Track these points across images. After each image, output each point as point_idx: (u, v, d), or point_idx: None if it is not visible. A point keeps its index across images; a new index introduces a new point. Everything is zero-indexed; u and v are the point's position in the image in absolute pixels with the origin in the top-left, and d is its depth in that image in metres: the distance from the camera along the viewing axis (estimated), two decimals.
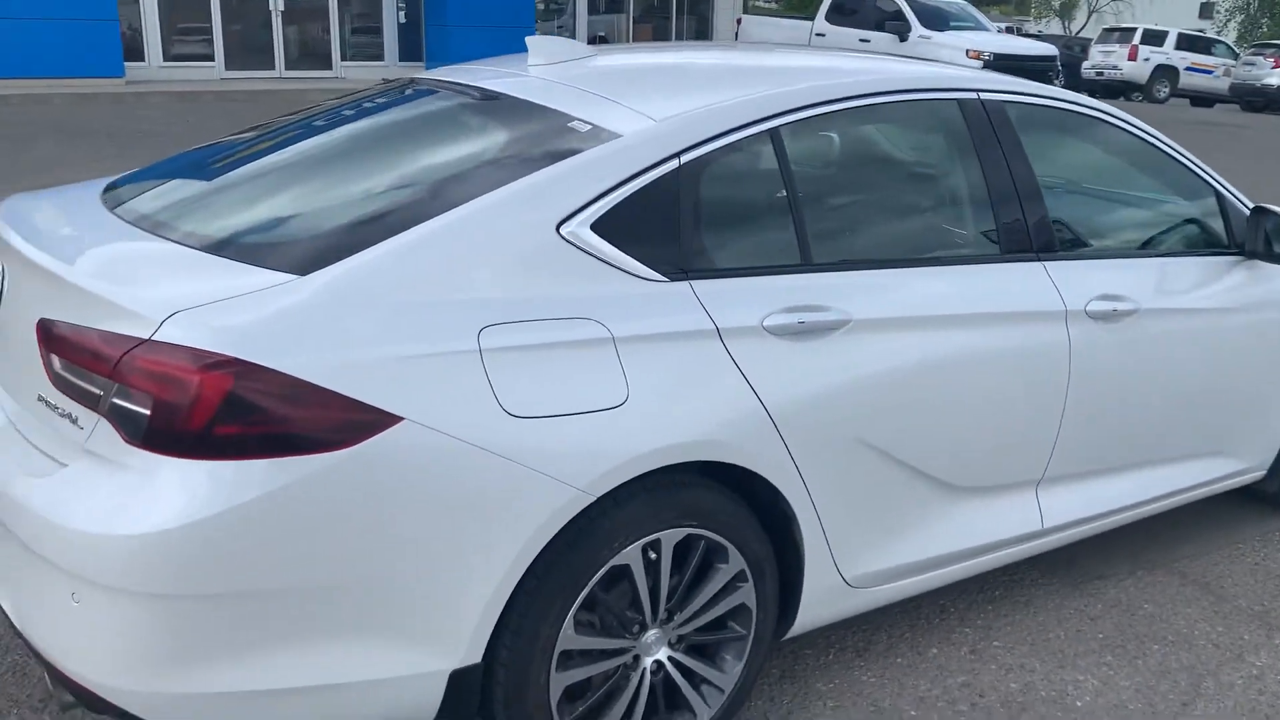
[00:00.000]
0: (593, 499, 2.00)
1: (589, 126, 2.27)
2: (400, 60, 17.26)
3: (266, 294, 1.86)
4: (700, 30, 20.31)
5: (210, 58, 15.59)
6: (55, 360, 1.93)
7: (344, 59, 16.88)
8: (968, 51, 14.79)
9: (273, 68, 16.26)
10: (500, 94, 2.51)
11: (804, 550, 2.36)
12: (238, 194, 2.34)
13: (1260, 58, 23.71)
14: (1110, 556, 3.40)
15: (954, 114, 2.69)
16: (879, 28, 15.90)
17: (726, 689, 2.35)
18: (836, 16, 16.74)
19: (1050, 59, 15.62)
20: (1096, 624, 3.03)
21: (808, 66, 2.70)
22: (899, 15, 15.74)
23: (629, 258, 2.14)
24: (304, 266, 1.93)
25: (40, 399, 1.98)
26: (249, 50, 16.04)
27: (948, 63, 3.32)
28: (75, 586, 1.81)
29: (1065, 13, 47.17)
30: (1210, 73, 25.33)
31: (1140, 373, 2.93)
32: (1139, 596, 3.19)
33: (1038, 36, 24.96)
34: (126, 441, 1.80)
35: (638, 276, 2.14)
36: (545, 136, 2.27)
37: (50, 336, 1.94)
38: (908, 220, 2.65)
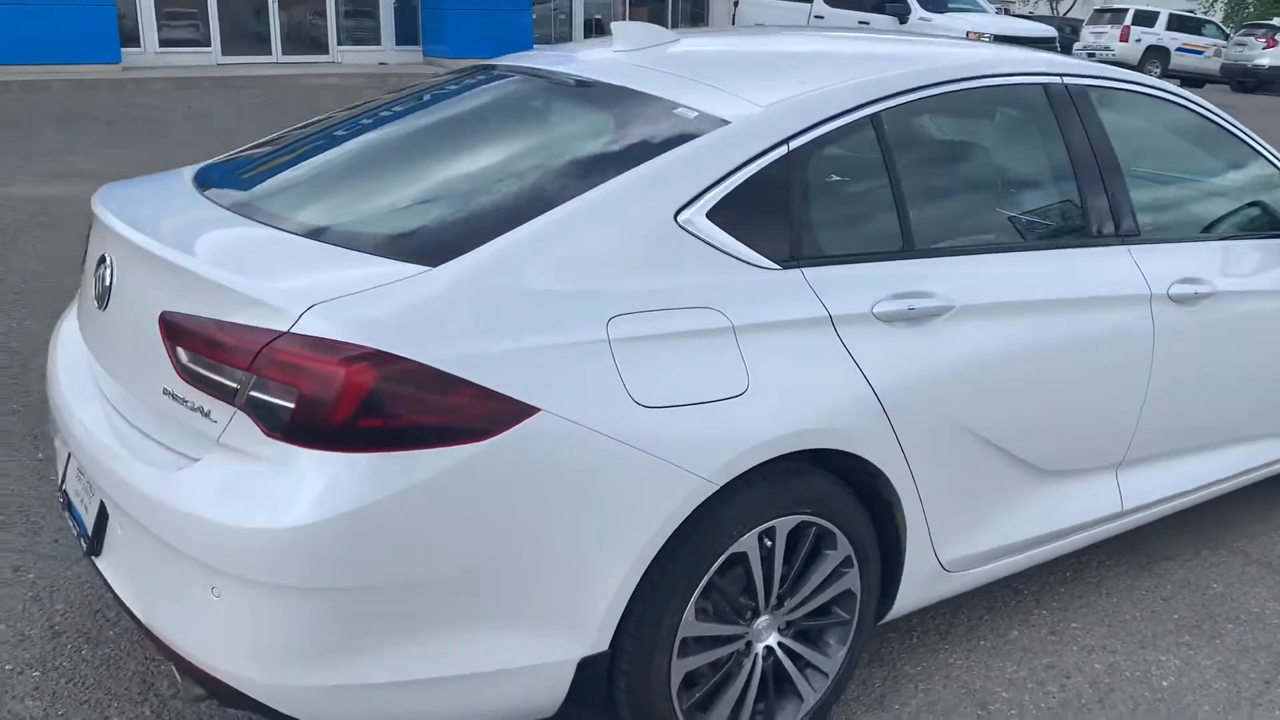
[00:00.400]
0: (716, 488, 2.00)
1: (695, 113, 2.27)
2: (397, 44, 17.17)
3: (401, 285, 1.86)
4: (696, 13, 20.25)
5: (206, 43, 15.48)
6: (182, 354, 1.92)
7: (340, 44, 16.77)
8: (968, 33, 14.78)
9: (269, 53, 16.16)
10: (597, 81, 2.50)
11: (905, 535, 2.38)
12: (344, 183, 2.33)
13: (1251, 38, 23.79)
14: (1174, 538, 3.43)
15: (1040, 98, 2.70)
16: (879, 10, 15.88)
17: (831, 673, 2.36)
18: (838, 0, 16.72)
19: (1050, 40, 15.64)
20: (1169, 604, 3.06)
21: (894, 52, 2.70)
22: None
23: (743, 245, 2.14)
24: (433, 257, 1.92)
25: (166, 392, 1.97)
26: (244, 36, 15.93)
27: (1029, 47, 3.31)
28: (215, 580, 1.81)
29: None
30: (1201, 53, 25.43)
31: (1216, 355, 2.95)
32: (1206, 576, 3.22)
33: (1028, 17, 24.97)
34: (266, 434, 1.79)
35: (752, 265, 2.14)
36: (651, 124, 2.26)
37: (176, 330, 1.93)
38: (1001, 205, 2.66)
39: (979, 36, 14.72)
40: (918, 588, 2.48)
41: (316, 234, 2.06)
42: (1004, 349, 2.45)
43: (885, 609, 2.48)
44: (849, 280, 2.24)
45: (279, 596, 1.78)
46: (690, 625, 2.09)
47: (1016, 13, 33.23)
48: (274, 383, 1.78)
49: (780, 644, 2.28)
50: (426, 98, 2.78)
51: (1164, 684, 2.71)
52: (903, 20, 15.54)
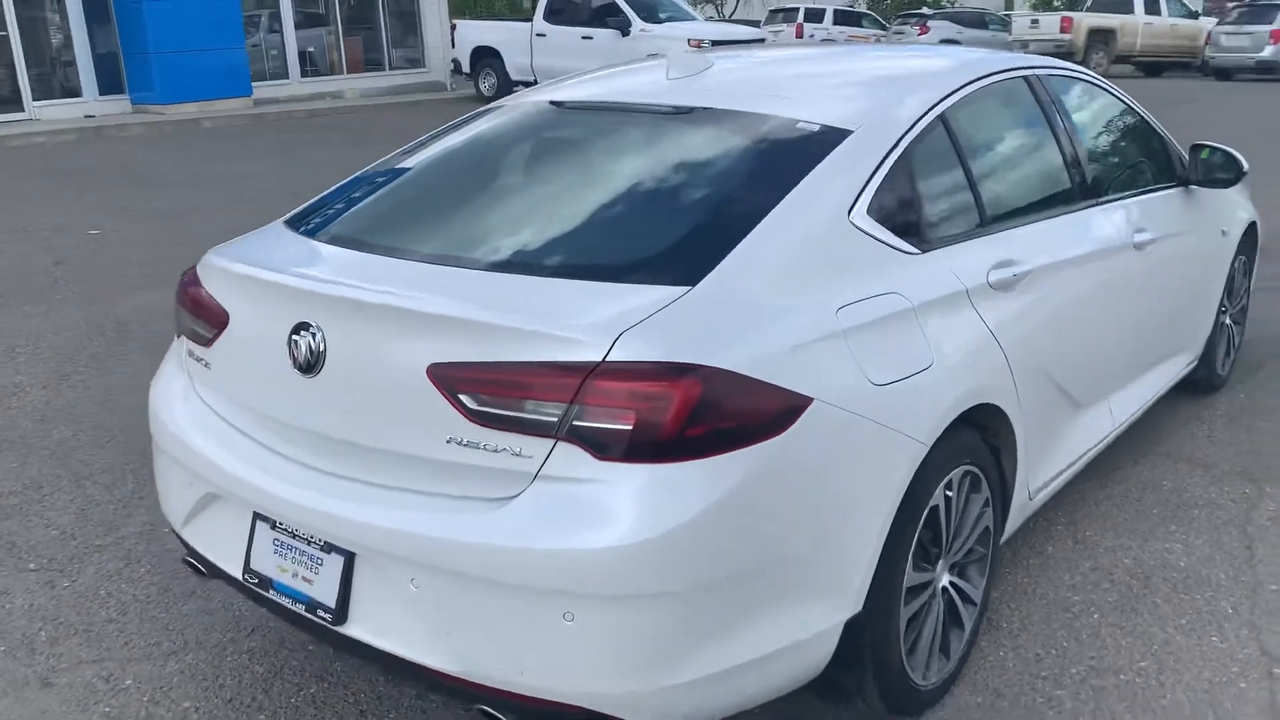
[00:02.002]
0: (928, 449, 2.29)
1: (818, 126, 2.53)
2: (101, 94, 15.93)
3: (680, 305, 2.00)
4: (408, 39, 20.10)
5: None
6: (468, 400, 1.96)
7: (35, 98, 15.35)
8: (689, 40, 15.67)
9: None
10: (706, 107, 2.68)
11: (1015, 474, 2.76)
12: (511, 220, 2.41)
13: (908, 26, 26.60)
14: (1111, 453, 4.04)
15: (1024, 88, 3.17)
16: (600, 25, 16.48)
17: (978, 602, 2.70)
18: (555, 16, 17.18)
19: (761, 41, 16.85)
20: (1142, 504, 3.64)
21: (908, 61, 3.08)
22: (617, 10, 16.40)
23: (895, 236, 2.43)
24: (681, 279, 2.07)
25: (452, 441, 2.00)
26: None
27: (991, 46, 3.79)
28: (569, 605, 1.88)
29: None
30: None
31: (1155, 289, 3.56)
32: (1154, 478, 3.85)
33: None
34: (598, 459, 1.89)
35: (904, 251, 2.44)
36: (785, 139, 2.50)
37: (457, 380, 1.97)
38: (1036, 178, 3.10)
39: (700, 43, 15.66)
40: (1015, 517, 2.87)
41: (536, 270, 2.14)
42: (1060, 301, 2.89)
43: (996, 540, 2.85)
44: (965, 257, 2.59)
45: (636, 607, 1.88)
46: (910, 576, 2.36)
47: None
48: (599, 409, 1.88)
49: (951, 583, 2.59)
50: (507, 132, 2.86)
51: (1181, 564, 3.25)
52: (625, 33, 16.23)
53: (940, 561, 2.52)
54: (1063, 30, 24.09)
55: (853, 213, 2.36)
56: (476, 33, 18.22)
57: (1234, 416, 4.39)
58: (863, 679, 2.33)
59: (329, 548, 2.17)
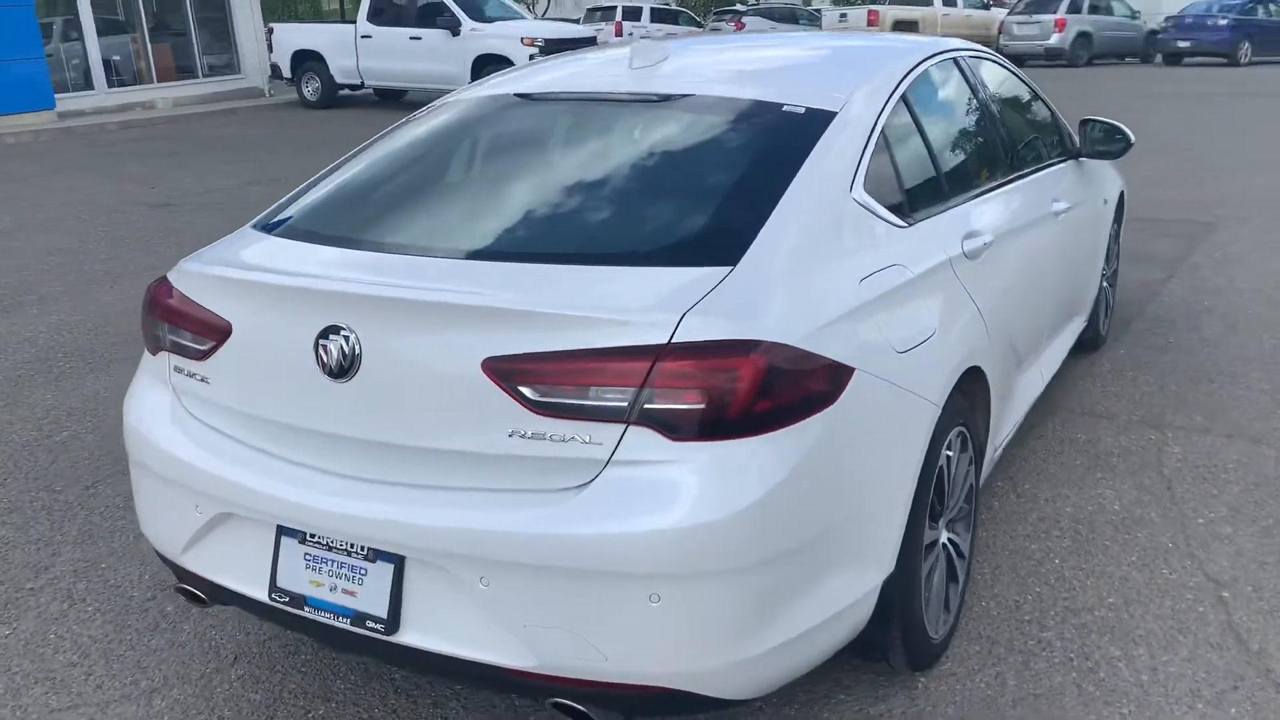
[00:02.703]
0: (940, 411, 2.40)
1: (802, 109, 2.60)
2: None
3: (729, 284, 2.03)
4: (220, 45, 19.22)
5: None
6: (530, 392, 1.94)
7: None
8: (522, 39, 15.62)
9: None
10: (683, 94, 2.70)
11: (988, 433, 2.91)
12: (520, 209, 2.38)
13: (724, 23, 27.26)
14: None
15: (955, 69, 3.34)
16: (429, 24, 16.21)
17: (967, 554, 2.84)
18: (380, 17, 16.78)
19: (592, 39, 16.94)
20: (1064, 456, 3.90)
21: (863, 44, 3.20)
22: (444, 10, 16.15)
23: (886, 210, 2.53)
24: (722, 258, 2.10)
25: (515, 434, 1.96)
26: None
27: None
28: (655, 587, 1.89)
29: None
30: None
31: (1067, 256, 3.81)
32: (1069, 432, 4.12)
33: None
34: (671, 440, 1.90)
35: (896, 225, 2.54)
36: (776, 123, 2.55)
37: (517, 371, 1.94)
38: (978, 153, 3.27)
39: (533, 41, 15.63)
40: (984, 475, 3.03)
41: (571, 259, 2.13)
42: (1012, 268, 3.07)
43: (976, 495, 3.00)
44: (941, 229, 2.72)
45: (720, 583, 1.91)
46: (927, 534, 2.46)
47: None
48: (670, 390, 1.90)
49: (949, 539, 2.72)
50: (481, 125, 2.81)
51: (1115, 508, 3.50)
52: (455, 32, 16.01)
53: (941, 519, 2.64)
54: (870, 23, 25.23)
55: (853, 189, 2.44)
56: (296, 36, 17.60)
57: (1119, 371, 4.74)
58: (893, 636, 2.42)
59: (374, 555, 2.10)
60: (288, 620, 2.24)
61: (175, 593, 2.52)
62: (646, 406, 1.91)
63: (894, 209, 2.57)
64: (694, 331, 1.92)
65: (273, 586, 2.22)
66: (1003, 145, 3.42)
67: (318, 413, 2.15)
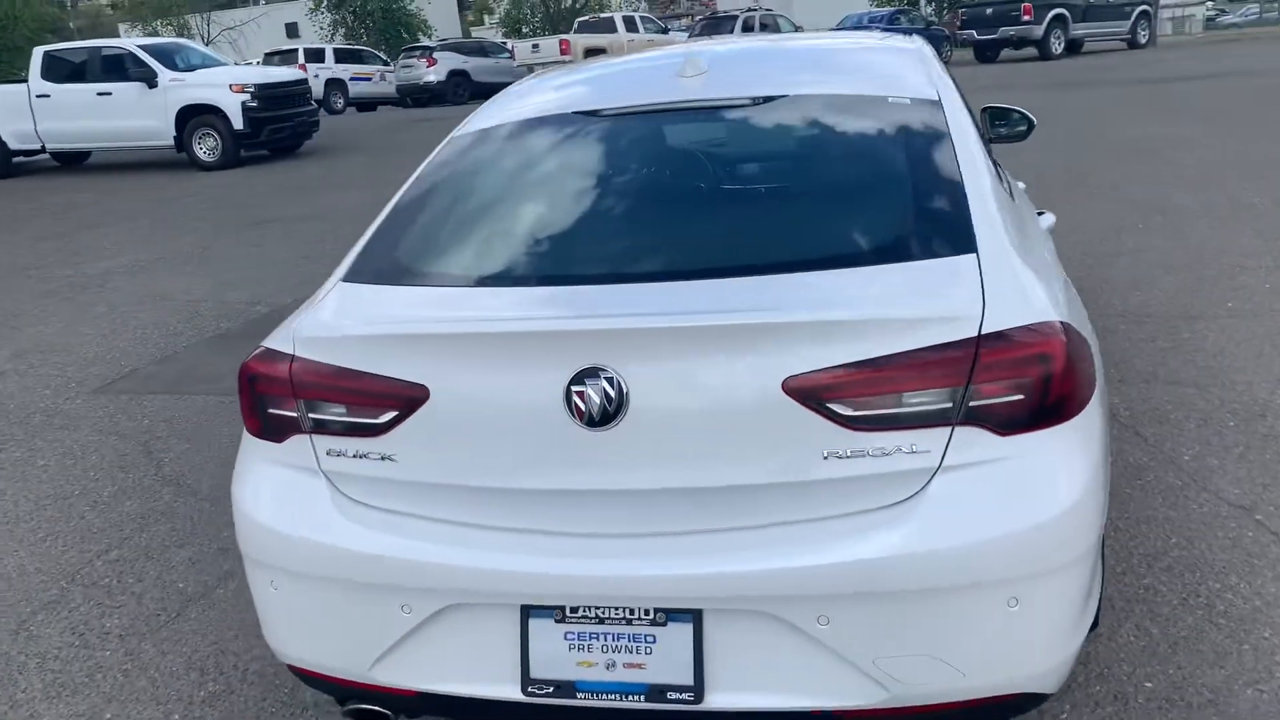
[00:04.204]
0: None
1: (907, 99, 2.58)
2: None
3: (990, 271, 1.96)
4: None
5: None
6: (842, 408, 1.80)
7: None
8: (231, 86, 14.63)
9: None
10: (779, 95, 2.59)
11: None
12: (713, 220, 2.23)
13: (414, 59, 26.84)
14: None
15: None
16: (122, 78, 14.82)
17: None
18: (55, 75, 15.14)
19: (303, 81, 16.13)
20: None
21: (865, 38, 3.22)
22: (138, 62, 14.82)
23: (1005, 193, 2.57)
24: (960, 247, 2.02)
25: (830, 456, 1.81)
26: None
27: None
28: (1012, 591, 1.81)
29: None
30: (369, 80, 27.97)
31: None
32: None
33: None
34: (1000, 435, 1.83)
35: (1012, 197, 2.59)
36: (896, 114, 2.50)
37: (825, 387, 1.79)
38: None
39: (243, 88, 14.68)
40: None
41: (812, 265, 1.98)
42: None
43: None
44: (1024, 208, 2.79)
45: (1067, 575, 1.86)
46: None
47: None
48: (994, 383, 1.82)
49: None
50: (583, 142, 2.59)
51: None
52: (151, 84, 14.72)
53: None
54: (563, 52, 25.77)
55: (991, 165, 2.46)
56: None
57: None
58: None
59: (666, 617, 1.87)
60: (550, 717, 1.95)
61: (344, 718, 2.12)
62: (972, 404, 1.82)
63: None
64: (1000, 320, 1.85)
65: (526, 679, 1.92)
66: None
67: (568, 469, 1.89)
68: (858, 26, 25.60)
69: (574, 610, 1.90)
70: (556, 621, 1.91)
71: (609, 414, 1.84)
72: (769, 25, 26.19)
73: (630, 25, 26.92)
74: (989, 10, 24.00)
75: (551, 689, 1.91)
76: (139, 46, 15.25)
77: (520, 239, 2.30)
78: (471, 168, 2.62)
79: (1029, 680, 1.88)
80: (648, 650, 1.88)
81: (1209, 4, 44.27)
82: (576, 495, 1.90)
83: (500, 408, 1.90)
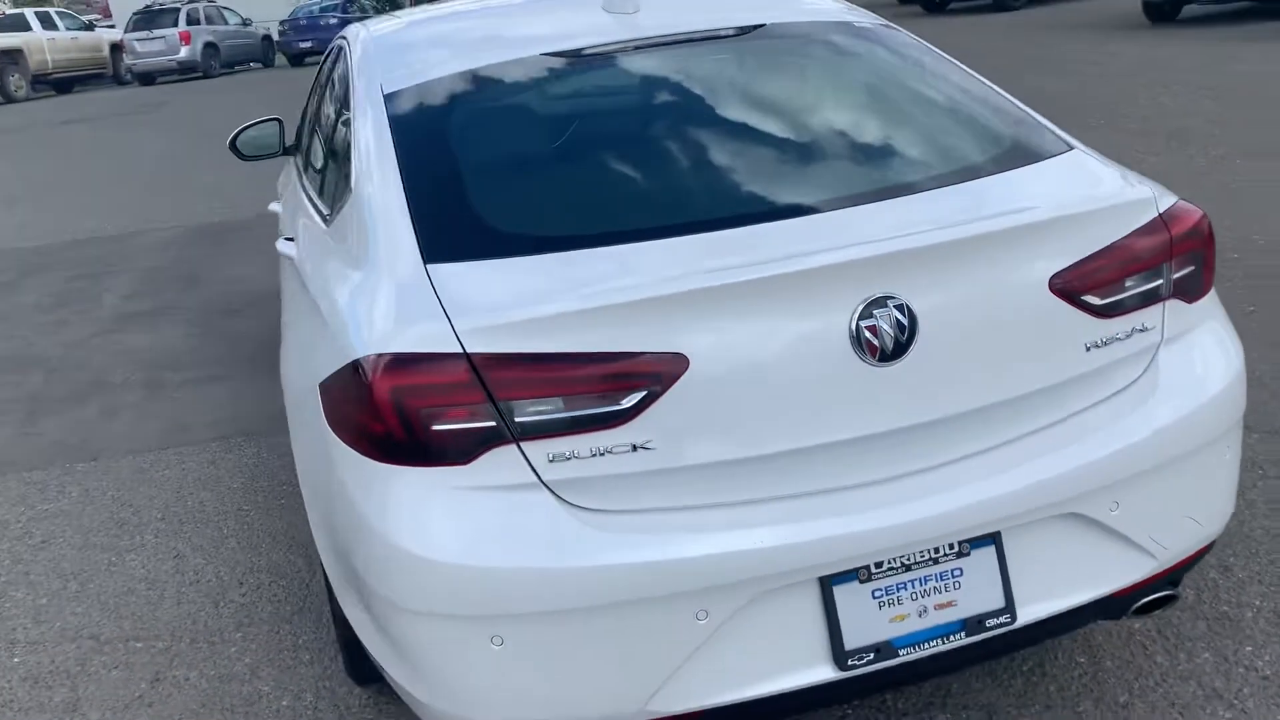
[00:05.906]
0: None
1: (869, 23, 2.60)
2: None
3: (1103, 162, 2.10)
4: None
5: None
6: (1093, 298, 1.83)
7: None
8: None
9: None
10: (755, 25, 2.46)
11: None
12: (819, 151, 2.10)
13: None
14: None
15: None
16: None
17: None
18: None
19: None
20: None
21: None
22: None
23: None
24: (1060, 147, 2.11)
25: (1092, 348, 1.83)
26: None
27: None
28: (1229, 441, 2.00)
29: None
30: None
31: None
32: None
33: None
34: (1187, 303, 1.97)
35: None
36: (882, 36, 2.53)
37: (1075, 281, 1.81)
38: None
39: None
40: None
41: (970, 174, 1.97)
42: None
43: None
44: None
45: (1240, 432, 2.05)
46: None
47: None
48: (1183, 256, 1.95)
49: None
50: (590, 80, 2.32)
51: None
52: None
53: None
54: None
55: None
56: None
57: None
58: None
59: (968, 546, 1.78)
60: (872, 684, 1.76)
61: None
62: (1175, 277, 1.94)
63: None
64: (1162, 202, 1.98)
65: (840, 654, 1.72)
66: None
67: (862, 413, 1.70)
68: (317, 16, 24.73)
69: (879, 566, 1.74)
70: (861, 582, 1.73)
71: (901, 345, 1.70)
72: (214, 17, 24.45)
73: (47, 21, 23.49)
74: None
75: (872, 655, 1.73)
76: None
77: (666, 183, 1.99)
78: (501, 118, 2.21)
79: (1223, 523, 2.06)
80: (956, 585, 1.78)
81: None
82: (870, 441, 1.73)
83: (776, 361, 1.67)
